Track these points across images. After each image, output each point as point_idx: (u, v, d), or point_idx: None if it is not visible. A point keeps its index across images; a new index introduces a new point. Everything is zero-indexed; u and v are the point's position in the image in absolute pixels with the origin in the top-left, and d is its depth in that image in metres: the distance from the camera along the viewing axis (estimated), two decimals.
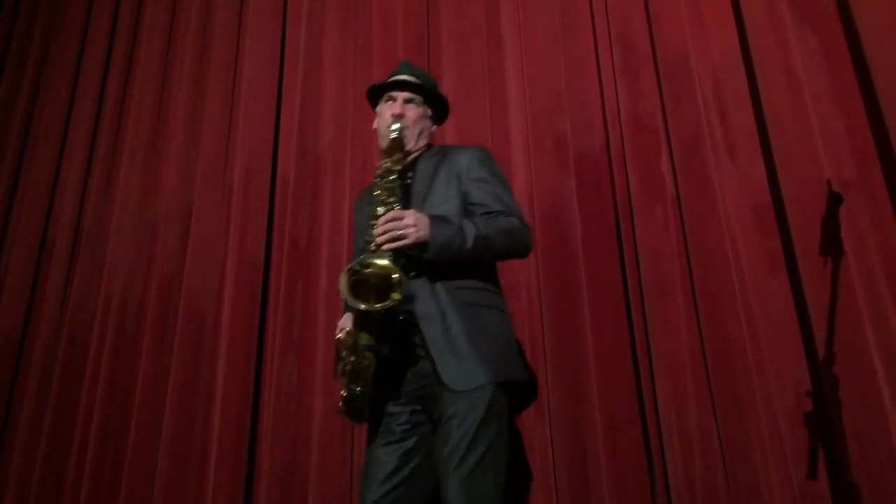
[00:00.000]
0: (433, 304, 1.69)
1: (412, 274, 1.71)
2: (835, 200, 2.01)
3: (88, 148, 4.07)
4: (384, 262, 1.64)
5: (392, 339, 1.71)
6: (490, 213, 1.76)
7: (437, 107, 2.03)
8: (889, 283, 2.05)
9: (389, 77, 1.99)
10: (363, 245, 1.77)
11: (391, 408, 1.74)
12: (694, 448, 2.17)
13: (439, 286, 1.71)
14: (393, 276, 1.62)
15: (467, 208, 1.80)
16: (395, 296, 1.60)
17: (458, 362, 1.62)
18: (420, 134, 1.95)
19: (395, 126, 1.84)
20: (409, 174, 1.90)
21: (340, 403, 1.73)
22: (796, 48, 2.36)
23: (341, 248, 3.04)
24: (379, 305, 1.59)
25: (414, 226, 1.66)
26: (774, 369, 2.16)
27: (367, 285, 1.64)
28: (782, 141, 2.29)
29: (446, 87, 3.05)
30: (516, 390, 1.73)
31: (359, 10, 3.49)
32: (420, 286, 1.72)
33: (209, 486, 2.91)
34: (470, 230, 1.69)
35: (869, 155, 2.17)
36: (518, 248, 1.78)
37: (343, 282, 1.63)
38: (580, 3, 2.90)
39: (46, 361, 3.62)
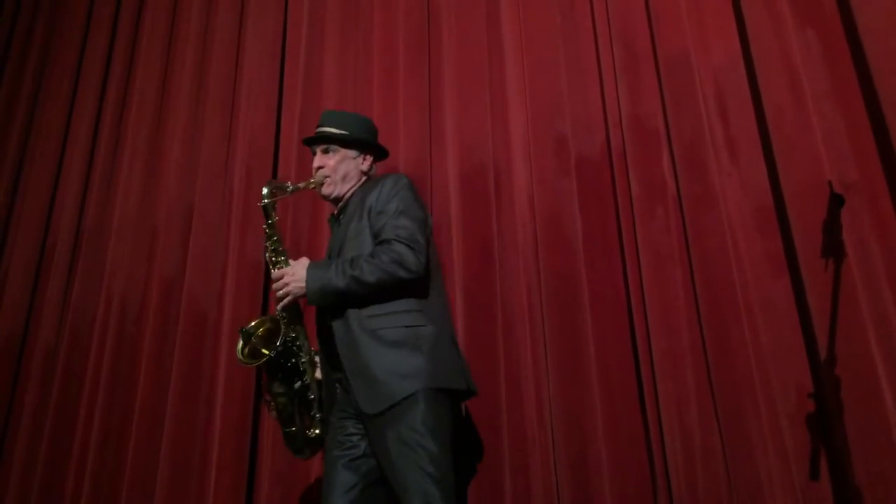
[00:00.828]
0: (347, 337, 1.79)
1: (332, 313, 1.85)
2: (836, 202, 1.99)
3: (89, 150, 4.08)
4: (267, 320, 1.93)
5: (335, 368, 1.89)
6: (382, 241, 1.82)
7: (366, 144, 2.08)
8: (891, 284, 2.05)
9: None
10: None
11: (336, 421, 1.86)
12: (695, 449, 2.17)
13: (352, 319, 1.80)
14: (273, 331, 1.86)
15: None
16: (265, 351, 1.83)
17: (368, 388, 1.72)
18: (345, 177, 2.03)
19: (265, 192, 1.95)
20: (342, 216, 2.00)
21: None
22: (797, 49, 2.35)
23: None
24: (257, 361, 1.84)
25: (291, 277, 1.84)
26: (776, 371, 2.16)
27: (262, 341, 1.88)
28: (784, 142, 2.29)
29: (446, 89, 3.06)
30: (453, 394, 1.81)
31: (359, 10, 3.48)
32: (337, 322, 1.82)
33: (210, 488, 2.92)
34: (343, 270, 1.77)
35: (871, 156, 2.17)
36: (397, 275, 1.77)
37: (239, 345, 1.87)
38: (581, 4, 2.89)
39: (47, 364, 3.63)
